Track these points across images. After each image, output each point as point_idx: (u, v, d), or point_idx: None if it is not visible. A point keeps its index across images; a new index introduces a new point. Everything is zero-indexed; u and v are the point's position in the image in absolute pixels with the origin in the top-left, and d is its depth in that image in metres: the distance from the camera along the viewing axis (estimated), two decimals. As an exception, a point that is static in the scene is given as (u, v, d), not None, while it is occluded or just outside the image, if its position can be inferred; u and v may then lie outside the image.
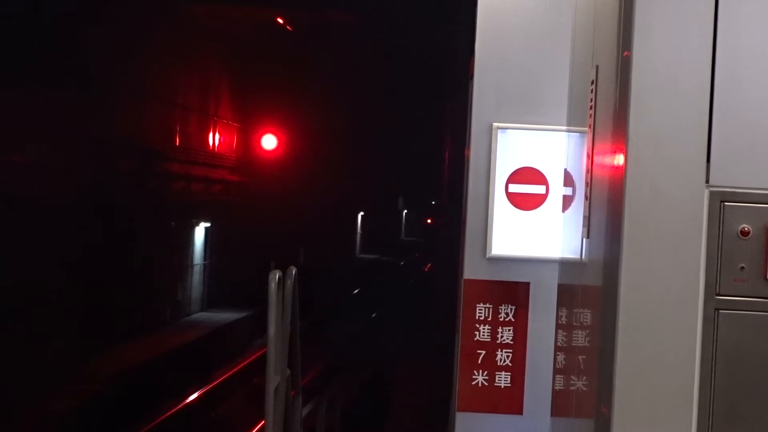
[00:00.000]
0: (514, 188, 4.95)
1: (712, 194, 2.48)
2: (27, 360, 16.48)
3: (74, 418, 15.37)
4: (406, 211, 59.91)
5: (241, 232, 28.50)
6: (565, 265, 3.91)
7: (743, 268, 2.48)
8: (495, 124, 4.96)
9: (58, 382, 16.75)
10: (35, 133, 17.05)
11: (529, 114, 4.93)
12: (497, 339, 5.03)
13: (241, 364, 20.85)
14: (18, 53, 16.16)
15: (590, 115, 3.16)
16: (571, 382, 3.38)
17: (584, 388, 3.05)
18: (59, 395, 16.20)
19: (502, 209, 4.96)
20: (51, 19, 17.04)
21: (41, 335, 17.15)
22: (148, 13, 21.63)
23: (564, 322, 3.73)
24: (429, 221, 48.48)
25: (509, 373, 5.03)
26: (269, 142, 29.58)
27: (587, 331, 3.06)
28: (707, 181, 2.49)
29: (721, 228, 2.48)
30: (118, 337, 20.12)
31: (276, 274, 5.08)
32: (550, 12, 4.93)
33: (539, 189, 4.93)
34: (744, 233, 2.48)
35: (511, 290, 5.02)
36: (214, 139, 27.99)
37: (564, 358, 3.69)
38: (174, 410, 16.60)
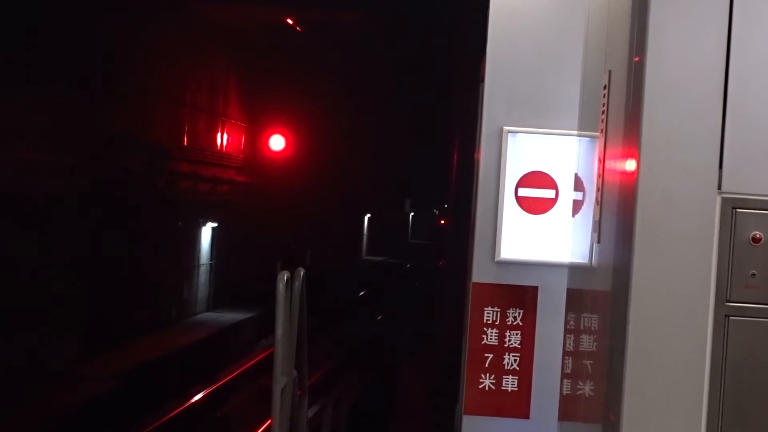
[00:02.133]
0: (523, 192, 4.94)
1: (724, 200, 2.48)
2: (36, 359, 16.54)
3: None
4: (413, 213, 59.88)
5: (247, 232, 28.52)
6: (574, 269, 3.91)
7: (754, 274, 2.48)
8: (505, 128, 4.95)
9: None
10: (44, 131, 17.08)
11: (539, 118, 4.93)
12: (505, 343, 5.02)
13: (245, 366, 20.85)
14: (22, 52, 16.19)
15: (602, 119, 3.16)
16: (579, 386, 3.37)
17: (592, 393, 3.05)
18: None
19: (511, 213, 4.95)
20: (60, 16, 17.07)
21: (50, 334, 17.19)
22: (156, 11, 21.66)
23: (572, 327, 3.72)
24: (442, 222, 48.43)
25: (516, 377, 5.02)
26: (277, 142, 29.61)
27: (596, 336, 3.06)
28: (719, 188, 2.48)
29: (732, 234, 2.48)
30: (123, 337, 20.14)
31: (284, 275, 5.07)
32: (563, 16, 4.92)
33: (549, 193, 4.92)
34: (756, 240, 2.47)
35: (519, 294, 5.01)
36: (222, 139, 28.01)
37: (572, 363, 3.69)
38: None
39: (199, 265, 26.66)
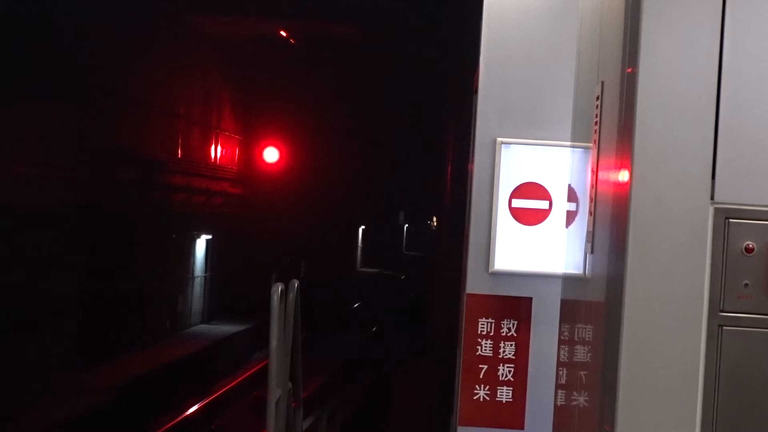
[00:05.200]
0: (517, 203, 4.96)
1: (716, 211, 2.48)
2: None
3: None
4: (407, 224, 59.85)
5: (242, 244, 28.50)
6: (568, 280, 3.91)
7: (747, 284, 2.48)
8: (499, 139, 4.96)
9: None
10: (38, 143, 17.07)
11: (533, 129, 4.94)
12: (499, 354, 5.02)
13: (239, 378, 20.82)
14: (20, 61, 16.18)
15: (595, 130, 3.16)
16: (573, 397, 3.37)
17: (586, 404, 3.05)
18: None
19: (505, 224, 4.96)
20: (52, 26, 17.06)
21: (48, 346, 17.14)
22: (151, 24, 21.67)
23: (567, 338, 3.73)
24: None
25: (511, 388, 5.02)
26: (271, 154, 29.63)
27: (590, 347, 3.06)
28: (712, 198, 2.49)
29: (725, 245, 2.48)
30: (117, 349, 20.10)
31: (279, 287, 5.08)
32: (555, 27, 4.94)
33: (542, 204, 4.94)
34: (748, 250, 2.48)
35: (513, 305, 5.01)
36: (216, 151, 28.01)
37: (566, 374, 3.69)
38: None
39: (193, 278, 26.63)
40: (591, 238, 3.12)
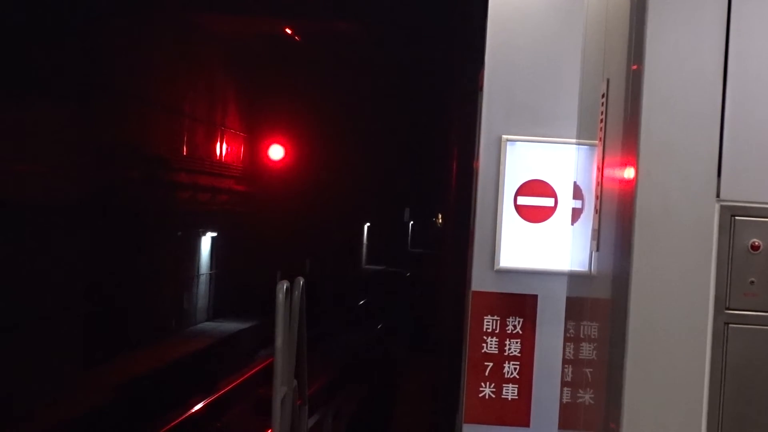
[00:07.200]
0: (522, 201, 4.95)
1: (722, 208, 2.48)
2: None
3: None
4: (412, 222, 59.83)
5: (247, 242, 28.52)
6: (573, 277, 3.91)
7: (753, 282, 2.48)
8: (504, 137, 4.95)
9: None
10: (42, 141, 17.07)
11: (538, 126, 4.93)
12: (505, 351, 5.02)
13: (245, 376, 20.84)
14: (20, 61, 16.18)
15: (600, 128, 3.16)
16: (579, 395, 3.38)
17: (592, 402, 3.05)
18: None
19: (510, 221, 4.96)
20: (53, 26, 17.07)
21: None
22: (155, 22, 21.68)
23: (572, 335, 3.73)
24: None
25: (516, 386, 5.02)
26: (276, 152, 29.64)
27: (595, 345, 3.06)
28: (718, 195, 2.48)
29: (731, 242, 2.48)
30: (122, 347, 20.13)
31: (284, 285, 5.07)
32: (561, 24, 4.93)
33: (548, 201, 4.93)
34: (754, 248, 2.48)
35: (519, 302, 5.01)
36: (221, 148, 28.01)
37: (572, 371, 3.69)
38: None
39: (198, 275, 26.63)
40: (596, 235, 3.12)
